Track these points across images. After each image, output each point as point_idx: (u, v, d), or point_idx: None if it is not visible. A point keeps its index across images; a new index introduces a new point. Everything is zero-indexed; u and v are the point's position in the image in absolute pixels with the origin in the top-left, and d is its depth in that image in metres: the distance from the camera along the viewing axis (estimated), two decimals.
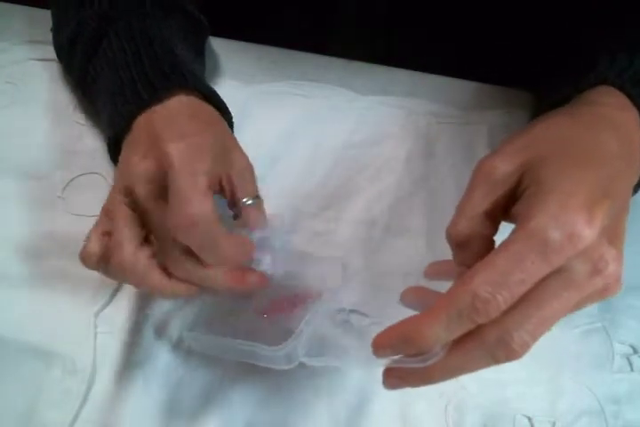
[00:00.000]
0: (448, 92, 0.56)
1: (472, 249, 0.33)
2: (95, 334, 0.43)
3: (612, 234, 0.30)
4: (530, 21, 0.52)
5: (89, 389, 0.41)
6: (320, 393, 0.42)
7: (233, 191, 0.42)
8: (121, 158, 0.41)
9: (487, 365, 0.30)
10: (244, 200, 0.42)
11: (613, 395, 0.42)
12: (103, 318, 0.44)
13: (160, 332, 0.44)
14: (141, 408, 0.41)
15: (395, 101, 0.55)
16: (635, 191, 0.38)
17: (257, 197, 0.43)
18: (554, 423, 0.41)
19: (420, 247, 0.48)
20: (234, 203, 0.43)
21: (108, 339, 0.43)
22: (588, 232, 0.28)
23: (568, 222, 0.28)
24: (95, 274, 0.39)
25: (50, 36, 0.54)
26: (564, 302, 0.29)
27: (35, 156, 0.52)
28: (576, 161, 0.31)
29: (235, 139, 0.44)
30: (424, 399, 0.42)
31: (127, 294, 0.45)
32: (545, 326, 0.29)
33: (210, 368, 0.43)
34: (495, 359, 0.29)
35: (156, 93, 0.42)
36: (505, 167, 0.32)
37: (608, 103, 0.38)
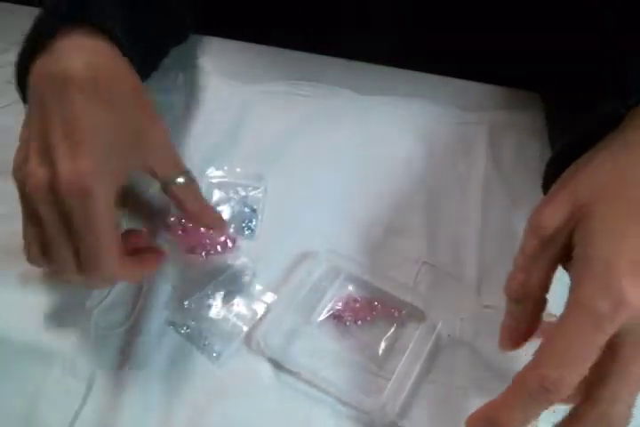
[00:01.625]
0: (448, 92, 0.56)
1: (528, 305, 0.34)
2: (95, 334, 0.43)
3: None
4: (531, 21, 0.52)
5: (89, 389, 0.41)
6: (322, 400, 0.42)
7: (156, 175, 0.40)
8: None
9: None
10: (172, 180, 0.40)
11: None
12: (103, 317, 0.44)
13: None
14: (141, 408, 0.41)
15: (395, 101, 0.55)
16: None
17: (186, 174, 0.41)
18: (554, 423, 0.41)
19: (421, 247, 0.48)
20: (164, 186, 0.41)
21: (107, 339, 0.43)
22: (634, 297, 0.28)
23: (614, 290, 0.28)
24: None
25: None
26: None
27: None
28: (627, 209, 0.30)
29: (147, 108, 0.40)
30: (424, 398, 0.42)
31: (127, 294, 0.45)
32: (633, 390, 0.30)
33: (210, 368, 0.43)
34: None
35: (53, 30, 0.38)
36: (554, 223, 0.31)
37: None
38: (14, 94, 0.57)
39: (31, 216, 0.37)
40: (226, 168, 0.50)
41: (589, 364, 0.29)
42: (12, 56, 0.60)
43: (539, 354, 0.30)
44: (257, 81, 0.56)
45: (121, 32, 0.40)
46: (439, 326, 0.44)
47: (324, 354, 0.43)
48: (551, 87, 0.51)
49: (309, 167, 0.51)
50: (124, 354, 0.43)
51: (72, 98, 0.36)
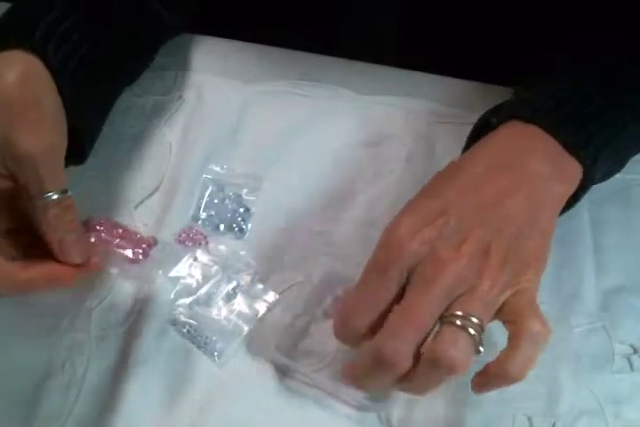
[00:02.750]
0: (448, 92, 0.56)
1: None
2: (95, 334, 0.43)
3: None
4: (531, 22, 0.52)
5: (88, 388, 0.41)
6: (323, 400, 0.42)
7: (23, 187, 0.35)
8: None
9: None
10: (41, 195, 0.35)
11: (613, 395, 0.42)
12: (103, 317, 0.44)
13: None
14: (141, 408, 0.41)
15: (395, 101, 0.55)
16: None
17: (61, 193, 0.36)
18: (554, 423, 0.41)
19: None
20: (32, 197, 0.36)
21: (107, 339, 0.43)
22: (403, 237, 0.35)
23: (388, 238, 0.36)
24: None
25: None
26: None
27: None
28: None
29: (29, 118, 0.35)
30: (424, 399, 0.42)
31: (127, 294, 0.45)
32: (412, 327, 0.34)
33: (210, 368, 0.43)
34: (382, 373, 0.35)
35: None
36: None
37: (530, 147, 0.39)
38: None
39: None
40: (225, 166, 0.50)
41: (380, 305, 0.34)
42: None
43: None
44: (257, 81, 0.56)
45: (88, 48, 0.40)
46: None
47: (325, 354, 0.43)
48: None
49: (309, 167, 0.51)
50: (123, 354, 0.43)
51: None
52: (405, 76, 0.57)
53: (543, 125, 0.38)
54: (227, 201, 0.49)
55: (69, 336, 0.43)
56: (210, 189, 0.49)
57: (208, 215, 0.48)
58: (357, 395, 0.41)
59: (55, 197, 0.35)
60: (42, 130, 0.35)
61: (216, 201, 0.49)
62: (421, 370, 0.33)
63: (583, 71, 0.44)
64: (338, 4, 0.60)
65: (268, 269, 0.47)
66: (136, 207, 0.49)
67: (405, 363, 0.33)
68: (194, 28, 0.58)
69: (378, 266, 0.35)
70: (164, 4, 0.51)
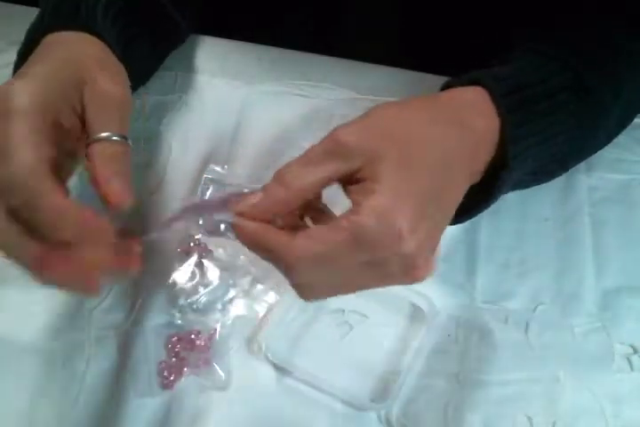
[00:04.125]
0: None
1: (294, 201, 0.33)
2: (95, 334, 0.43)
3: (431, 243, 0.32)
4: (530, 23, 0.52)
5: (88, 388, 0.41)
6: (322, 400, 0.42)
7: (85, 124, 0.35)
8: None
9: None
10: (97, 135, 0.34)
11: (613, 395, 0.42)
12: (102, 317, 0.44)
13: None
14: (140, 408, 0.41)
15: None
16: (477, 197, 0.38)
17: (122, 137, 0.35)
18: (554, 423, 0.41)
19: None
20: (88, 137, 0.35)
21: (107, 339, 0.43)
22: (407, 243, 0.30)
23: (390, 229, 0.30)
24: None
25: None
26: (365, 282, 0.33)
27: None
28: (415, 168, 0.32)
29: (112, 72, 0.38)
30: (424, 398, 0.42)
31: (127, 295, 0.45)
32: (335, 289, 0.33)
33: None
34: None
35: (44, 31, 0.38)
36: (358, 150, 0.32)
37: (469, 102, 0.36)
38: None
39: None
40: (226, 167, 0.50)
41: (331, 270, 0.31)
42: (10, 56, 0.60)
43: (297, 243, 0.31)
44: (257, 81, 0.56)
45: (115, 43, 0.41)
46: (441, 326, 0.44)
47: (325, 355, 0.43)
48: None
49: None
50: (123, 354, 0.43)
51: None
52: (405, 76, 0.57)
53: (493, 93, 0.36)
54: None
55: (69, 336, 0.43)
56: (211, 188, 0.49)
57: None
58: (357, 395, 0.41)
59: (115, 138, 0.35)
60: (121, 81, 0.38)
61: None
62: None
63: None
64: (337, 5, 0.60)
65: (267, 271, 0.46)
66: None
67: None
68: (194, 28, 0.58)
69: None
70: (178, 10, 0.52)
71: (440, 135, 0.33)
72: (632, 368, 0.44)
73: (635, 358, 0.44)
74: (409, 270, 0.31)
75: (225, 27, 0.59)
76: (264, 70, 0.57)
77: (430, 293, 0.45)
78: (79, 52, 0.37)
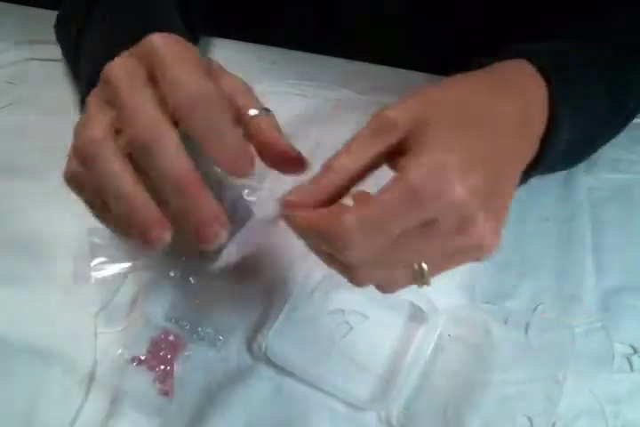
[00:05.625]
0: None
1: (344, 184, 0.33)
2: (95, 334, 0.43)
3: (489, 205, 0.30)
4: (531, 23, 0.52)
5: (89, 389, 0.41)
6: (322, 400, 0.42)
7: (231, 103, 0.35)
8: None
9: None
10: (250, 112, 0.35)
11: (613, 395, 0.42)
12: (103, 317, 0.44)
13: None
14: (141, 408, 0.41)
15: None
16: (533, 169, 0.39)
17: (265, 110, 0.36)
18: (554, 423, 0.41)
19: None
20: (238, 118, 0.35)
21: (107, 339, 0.43)
22: (457, 189, 0.29)
23: (439, 177, 0.29)
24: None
25: (49, 36, 0.54)
26: (424, 247, 0.31)
27: (35, 156, 0.52)
28: (464, 127, 0.31)
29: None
30: (424, 399, 0.42)
31: (127, 294, 0.45)
32: (393, 263, 0.31)
33: (211, 368, 0.43)
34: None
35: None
36: (400, 120, 0.31)
37: (516, 69, 0.38)
38: (14, 94, 0.57)
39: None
40: None
41: (390, 238, 0.30)
42: (12, 56, 0.60)
43: (350, 210, 0.30)
44: (257, 81, 0.56)
45: None
46: (441, 326, 0.44)
47: (326, 355, 0.43)
48: None
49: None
50: (123, 354, 0.43)
51: None
52: (405, 76, 0.57)
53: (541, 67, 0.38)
54: (228, 201, 0.49)
55: (70, 336, 0.43)
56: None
57: None
58: (357, 395, 0.41)
59: (259, 112, 0.35)
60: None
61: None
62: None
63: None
64: (338, 5, 0.60)
65: (267, 271, 0.47)
66: None
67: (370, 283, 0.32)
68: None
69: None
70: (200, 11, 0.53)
71: (487, 100, 0.33)
72: (632, 368, 0.44)
73: (635, 358, 0.44)
74: (468, 228, 0.30)
75: (225, 27, 0.59)
76: (264, 70, 0.57)
77: (430, 293, 0.45)
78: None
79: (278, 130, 0.36)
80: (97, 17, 0.47)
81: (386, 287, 0.34)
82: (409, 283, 0.33)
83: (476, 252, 0.32)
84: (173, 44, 0.32)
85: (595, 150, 0.48)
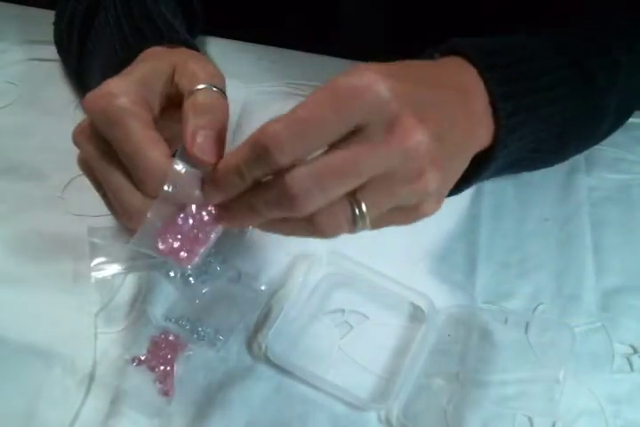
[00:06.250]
0: None
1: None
2: (95, 334, 0.43)
3: (438, 152, 0.30)
4: (524, 21, 0.52)
5: (89, 389, 0.41)
6: (322, 400, 0.42)
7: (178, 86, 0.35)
8: None
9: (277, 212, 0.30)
10: (194, 87, 0.34)
11: (613, 395, 0.42)
12: (103, 318, 0.44)
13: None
14: (141, 408, 0.41)
15: None
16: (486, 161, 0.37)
17: (220, 90, 0.35)
18: (554, 423, 0.41)
19: (420, 246, 0.48)
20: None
21: (107, 339, 0.43)
22: (380, 87, 0.28)
23: (359, 77, 0.28)
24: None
25: (49, 36, 0.54)
26: (356, 161, 0.29)
27: (35, 156, 0.52)
28: (413, 80, 0.31)
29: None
30: (424, 399, 0.42)
31: (127, 294, 0.45)
32: (330, 176, 0.29)
33: (211, 368, 0.43)
34: (281, 208, 0.30)
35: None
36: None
37: (455, 65, 0.37)
38: (14, 94, 0.57)
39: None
40: None
41: (319, 144, 0.28)
42: (12, 56, 0.60)
43: (275, 121, 0.29)
44: (257, 81, 0.56)
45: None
46: (441, 326, 0.44)
47: (326, 355, 0.43)
48: None
49: None
50: (123, 354, 0.43)
51: None
52: None
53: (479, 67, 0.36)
54: None
55: (70, 336, 0.43)
56: None
57: None
58: (357, 395, 0.41)
59: (215, 89, 0.35)
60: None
61: None
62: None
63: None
64: (337, 5, 0.60)
65: (267, 270, 0.47)
66: None
67: (310, 208, 0.29)
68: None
69: (337, 98, 0.28)
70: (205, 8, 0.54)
71: (435, 72, 0.35)
72: (632, 368, 0.44)
73: (635, 358, 0.44)
74: (388, 128, 0.28)
75: (225, 27, 0.59)
76: (264, 70, 0.57)
77: (430, 293, 0.45)
78: (166, 50, 0.40)
79: (208, 113, 0.35)
80: (97, 27, 0.47)
81: (327, 225, 0.30)
82: (349, 222, 0.30)
83: (417, 196, 0.30)
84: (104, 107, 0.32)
85: (575, 150, 0.46)
